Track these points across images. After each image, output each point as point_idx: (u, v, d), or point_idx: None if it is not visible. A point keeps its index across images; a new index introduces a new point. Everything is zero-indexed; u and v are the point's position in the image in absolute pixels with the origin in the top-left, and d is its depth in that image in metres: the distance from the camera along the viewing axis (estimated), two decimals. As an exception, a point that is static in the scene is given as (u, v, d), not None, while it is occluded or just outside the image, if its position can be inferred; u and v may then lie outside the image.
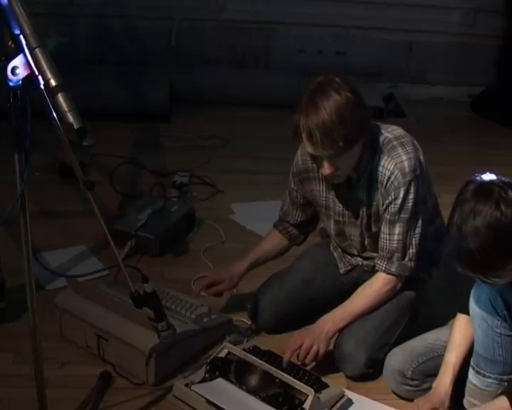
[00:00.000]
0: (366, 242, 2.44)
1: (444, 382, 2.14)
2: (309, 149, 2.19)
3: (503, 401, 1.97)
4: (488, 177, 1.86)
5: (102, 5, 4.70)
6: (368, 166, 2.29)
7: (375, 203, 2.33)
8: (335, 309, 2.39)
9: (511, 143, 4.43)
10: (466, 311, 2.09)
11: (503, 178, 1.85)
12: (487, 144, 4.45)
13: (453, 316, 2.21)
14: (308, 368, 2.33)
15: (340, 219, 2.43)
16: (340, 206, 2.40)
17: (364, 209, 2.35)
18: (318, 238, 2.86)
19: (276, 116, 4.08)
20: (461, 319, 2.16)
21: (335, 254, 2.60)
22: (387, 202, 2.28)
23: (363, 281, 2.44)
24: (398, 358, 2.29)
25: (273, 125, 4.26)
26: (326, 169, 2.21)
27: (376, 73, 5.00)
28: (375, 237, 2.38)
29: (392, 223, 2.30)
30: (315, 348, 2.30)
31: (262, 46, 4.98)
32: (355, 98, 2.16)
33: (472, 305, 2.04)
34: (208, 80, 4.66)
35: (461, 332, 2.15)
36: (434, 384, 2.17)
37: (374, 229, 2.38)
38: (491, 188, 1.81)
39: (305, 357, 2.30)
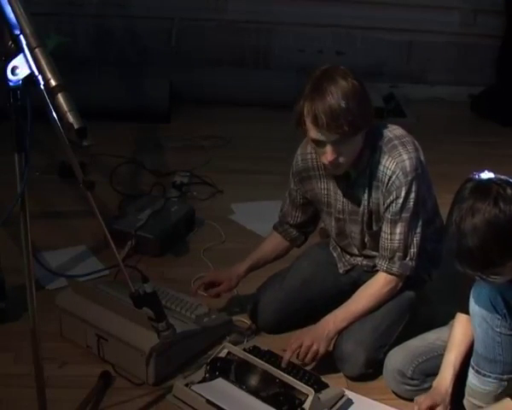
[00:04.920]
0: (366, 239, 2.44)
1: (444, 380, 2.14)
2: (313, 133, 2.19)
3: (509, 402, 1.97)
4: (486, 175, 1.87)
5: (102, 5, 4.71)
6: (368, 163, 2.29)
7: (375, 202, 2.33)
8: (336, 310, 2.39)
9: (511, 143, 4.43)
10: (466, 310, 2.09)
11: (502, 176, 1.86)
12: (487, 144, 4.45)
13: (453, 316, 2.21)
14: (308, 368, 2.33)
15: (341, 216, 2.43)
16: (341, 203, 2.40)
17: (365, 207, 2.35)
18: (318, 238, 2.86)
19: (276, 116, 4.09)
20: (460, 318, 2.16)
21: (335, 254, 2.60)
22: (389, 201, 2.28)
23: (363, 281, 2.44)
24: (398, 358, 2.29)
25: (273, 125, 4.28)
26: (329, 155, 2.20)
27: (376, 73, 5.00)
28: (375, 236, 2.38)
29: (393, 222, 2.30)
30: (315, 347, 2.30)
31: (262, 46, 4.99)
32: (360, 87, 2.17)
33: (472, 304, 2.04)
34: (208, 80, 4.66)
35: (461, 332, 2.15)
36: (435, 383, 2.17)
37: (375, 228, 2.38)
38: (489, 186, 1.82)
39: (305, 357, 2.30)
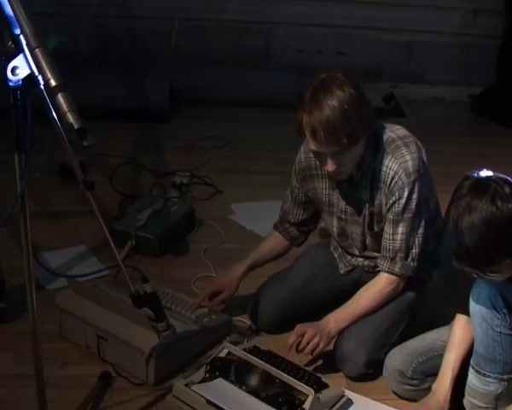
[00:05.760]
0: (367, 240, 2.44)
1: (443, 384, 2.13)
2: (313, 146, 2.19)
3: None
4: (485, 173, 1.87)
5: (102, 5, 4.70)
6: (371, 164, 2.29)
7: (377, 202, 2.33)
8: (338, 309, 2.39)
9: (511, 144, 4.43)
10: (465, 311, 2.09)
11: (500, 175, 1.86)
12: (487, 144, 4.45)
13: (453, 316, 2.21)
14: (308, 368, 2.33)
15: (343, 216, 2.43)
16: (343, 203, 2.40)
17: (367, 207, 2.35)
18: (318, 238, 2.86)
19: (276, 116, 4.09)
20: (460, 319, 2.16)
21: (335, 255, 2.60)
22: (391, 201, 2.28)
23: (364, 282, 2.44)
24: (398, 358, 2.29)
25: (273, 125, 4.28)
26: (330, 166, 2.21)
27: (376, 73, 5.00)
28: (377, 237, 2.38)
29: (395, 223, 2.29)
30: (316, 339, 2.30)
31: (262, 46, 4.98)
32: (358, 94, 2.16)
33: (472, 304, 2.04)
34: (208, 80, 4.66)
35: (460, 332, 2.15)
36: (433, 387, 2.16)
37: (376, 228, 2.38)
38: (487, 183, 1.82)
39: (305, 347, 2.30)
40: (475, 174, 1.87)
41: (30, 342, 1.87)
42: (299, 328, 2.34)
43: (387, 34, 5.01)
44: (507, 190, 1.80)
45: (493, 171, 1.88)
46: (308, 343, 2.31)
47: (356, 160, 2.25)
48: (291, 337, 2.32)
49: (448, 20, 5.04)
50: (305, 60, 4.88)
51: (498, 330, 1.99)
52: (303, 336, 2.31)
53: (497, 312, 1.98)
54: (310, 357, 2.36)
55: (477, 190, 1.82)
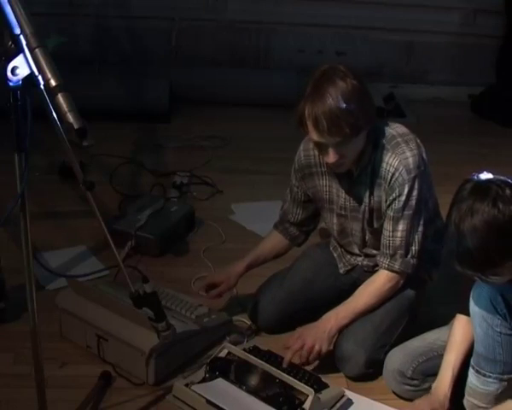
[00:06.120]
0: (367, 237, 2.44)
1: (443, 382, 2.14)
2: (315, 136, 2.19)
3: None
4: (485, 175, 1.87)
5: (102, 5, 4.70)
6: (370, 160, 2.29)
7: (377, 199, 2.33)
8: (338, 307, 2.39)
9: (511, 143, 4.43)
10: (466, 311, 2.09)
11: (501, 177, 1.86)
12: (487, 144, 4.45)
13: (453, 316, 2.21)
14: (308, 368, 2.33)
15: (343, 212, 2.43)
16: (343, 199, 2.40)
17: (367, 204, 2.35)
18: (318, 239, 2.86)
19: (276, 116, 4.09)
20: (460, 319, 2.16)
21: (335, 254, 2.60)
22: (391, 198, 2.28)
23: (363, 281, 2.44)
24: (398, 358, 2.29)
25: (273, 125, 4.28)
26: (331, 157, 2.21)
27: (376, 73, 5.00)
28: (376, 233, 2.39)
29: (395, 220, 2.29)
30: (317, 348, 2.30)
31: (262, 46, 4.98)
32: (360, 86, 2.17)
33: (472, 304, 2.04)
34: (208, 80, 4.66)
35: (460, 332, 2.15)
36: (434, 385, 2.17)
37: (376, 225, 2.38)
38: (488, 186, 1.82)
39: (307, 358, 2.30)
40: (476, 177, 1.87)
41: (30, 342, 1.87)
42: (295, 340, 2.31)
43: (387, 34, 5.01)
44: (508, 192, 1.80)
45: (493, 173, 1.88)
46: (310, 354, 2.30)
47: (357, 152, 2.25)
48: (288, 353, 2.29)
49: (448, 20, 5.04)
50: (305, 60, 4.88)
51: (498, 330, 1.99)
52: (302, 347, 2.30)
53: (498, 312, 1.98)
54: (314, 363, 2.36)
55: (478, 193, 1.82)
